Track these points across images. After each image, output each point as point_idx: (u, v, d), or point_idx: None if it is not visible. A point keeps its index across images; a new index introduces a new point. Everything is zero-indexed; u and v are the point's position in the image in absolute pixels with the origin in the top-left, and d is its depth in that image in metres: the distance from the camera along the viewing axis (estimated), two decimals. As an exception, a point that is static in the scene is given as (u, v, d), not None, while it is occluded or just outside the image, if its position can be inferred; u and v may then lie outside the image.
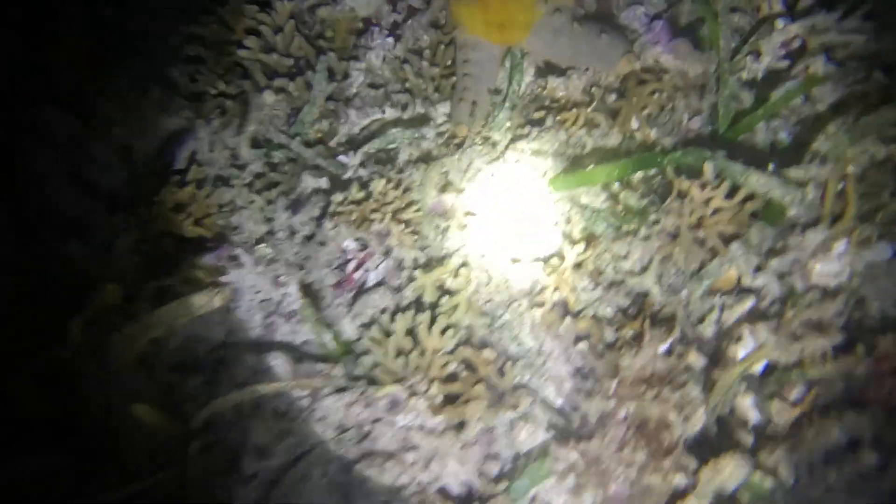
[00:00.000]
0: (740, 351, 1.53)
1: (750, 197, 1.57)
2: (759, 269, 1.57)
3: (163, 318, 1.68)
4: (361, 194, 1.84)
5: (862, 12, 1.60)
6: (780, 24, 1.69)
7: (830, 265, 1.53)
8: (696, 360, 1.55)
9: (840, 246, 1.52)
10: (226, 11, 2.05)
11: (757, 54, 1.73)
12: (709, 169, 1.58)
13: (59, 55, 2.16)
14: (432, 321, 1.72)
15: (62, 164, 2.04)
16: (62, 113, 2.08)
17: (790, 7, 1.73)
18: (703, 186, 1.58)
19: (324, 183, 1.97)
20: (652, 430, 1.48)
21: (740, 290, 1.59)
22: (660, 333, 1.57)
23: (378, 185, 1.85)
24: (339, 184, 1.93)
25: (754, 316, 1.54)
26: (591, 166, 1.71)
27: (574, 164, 1.81)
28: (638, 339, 1.59)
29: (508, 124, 1.92)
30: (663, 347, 1.57)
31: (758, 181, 1.52)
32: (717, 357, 1.56)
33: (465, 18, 1.87)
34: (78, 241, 1.92)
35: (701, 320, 1.59)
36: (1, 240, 1.89)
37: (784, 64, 1.70)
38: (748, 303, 1.54)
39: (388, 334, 1.71)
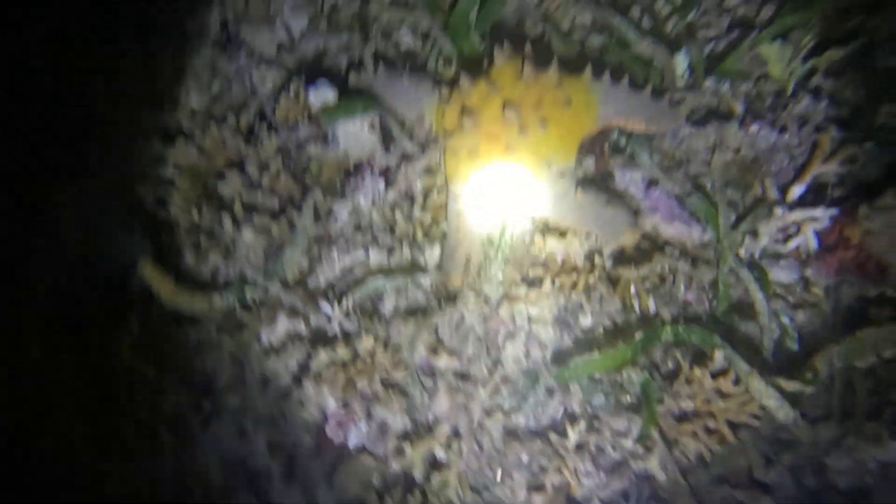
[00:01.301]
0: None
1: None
2: (769, 462, 1.52)
3: None
4: (348, 355, 1.69)
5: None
6: (778, 212, 1.72)
7: (842, 462, 1.50)
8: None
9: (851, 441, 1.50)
10: (206, 139, 1.92)
11: (754, 234, 1.75)
12: (719, 357, 1.55)
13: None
14: (424, 502, 1.56)
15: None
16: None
17: (783, 192, 1.77)
18: (715, 375, 1.54)
19: (301, 327, 1.81)
20: None
21: (751, 482, 1.53)
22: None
23: (366, 344, 1.71)
24: (320, 335, 1.77)
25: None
26: (598, 353, 1.64)
27: (575, 339, 1.75)
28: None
29: (501, 278, 1.85)
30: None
31: (757, 387, 1.50)
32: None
33: (462, 171, 1.82)
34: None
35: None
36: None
37: (782, 248, 1.73)
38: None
39: (373, 519, 1.54)
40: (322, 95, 1.91)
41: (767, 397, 1.49)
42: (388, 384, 1.70)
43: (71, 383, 1.75)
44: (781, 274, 1.76)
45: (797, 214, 1.69)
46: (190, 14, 2.17)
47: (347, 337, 1.75)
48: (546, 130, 1.75)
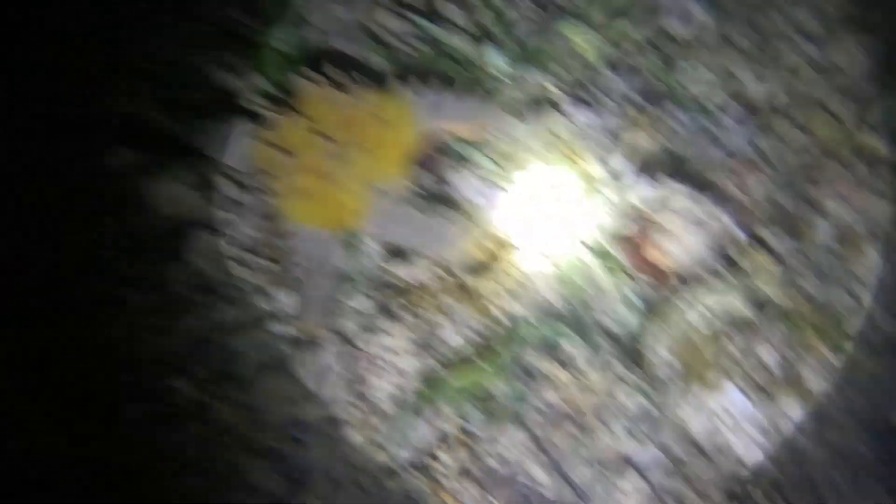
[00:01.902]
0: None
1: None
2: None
3: None
4: (199, 430, 1.58)
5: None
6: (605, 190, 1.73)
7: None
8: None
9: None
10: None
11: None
12: (568, 347, 1.53)
13: None
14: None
15: None
16: None
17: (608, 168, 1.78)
18: (564, 365, 1.53)
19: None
20: None
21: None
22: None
23: (222, 411, 1.61)
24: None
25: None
26: (457, 373, 1.60)
27: (443, 357, 1.70)
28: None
29: (360, 309, 1.79)
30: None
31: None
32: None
33: (295, 211, 1.74)
34: None
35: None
36: None
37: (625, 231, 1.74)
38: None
39: None
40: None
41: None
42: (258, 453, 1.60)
43: None
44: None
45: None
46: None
47: (202, 410, 1.64)
48: (366, 152, 1.69)
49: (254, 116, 1.92)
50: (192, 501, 1.56)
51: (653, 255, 1.61)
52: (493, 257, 1.73)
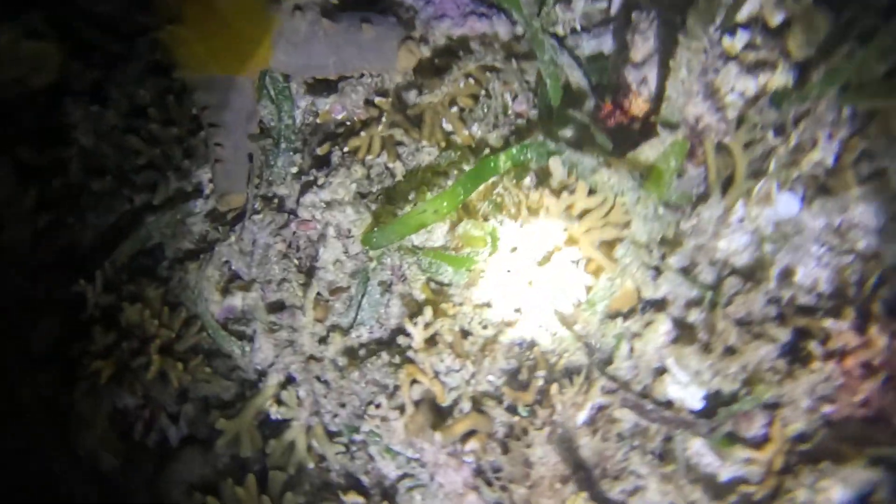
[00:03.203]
0: (671, 389, 1.14)
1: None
2: (658, 271, 1.18)
3: None
4: (109, 338, 1.27)
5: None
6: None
7: (735, 239, 1.16)
8: (624, 418, 1.15)
9: (739, 211, 1.15)
10: None
11: (567, 2, 1.32)
12: (557, 168, 1.17)
13: None
14: (264, 485, 1.21)
15: None
16: None
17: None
18: (558, 192, 1.16)
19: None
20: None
21: (644, 306, 1.19)
22: (570, 396, 1.14)
23: (130, 314, 1.29)
24: (75, 326, 1.34)
25: (672, 337, 1.15)
26: (411, 206, 1.25)
27: (390, 203, 1.34)
28: (545, 412, 1.16)
29: (293, 170, 1.43)
30: (582, 417, 1.15)
31: (609, 179, 1.12)
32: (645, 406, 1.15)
33: (183, 54, 1.34)
34: None
35: (609, 361, 1.18)
36: None
37: (602, 5, 1.31)
38: (660, 325, 1.14)
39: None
40: None
41: (623, 183, 1.12)
42: (177, 358, 1.30)
43: None
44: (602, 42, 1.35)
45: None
46: None
47: (105, 313, 1.32)
48: (253, -45, 1.26)
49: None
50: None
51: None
52: (440, 68, 1.32)
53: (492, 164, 1.22)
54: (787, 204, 1.18)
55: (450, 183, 1.29)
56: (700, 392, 1.14)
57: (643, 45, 1.20)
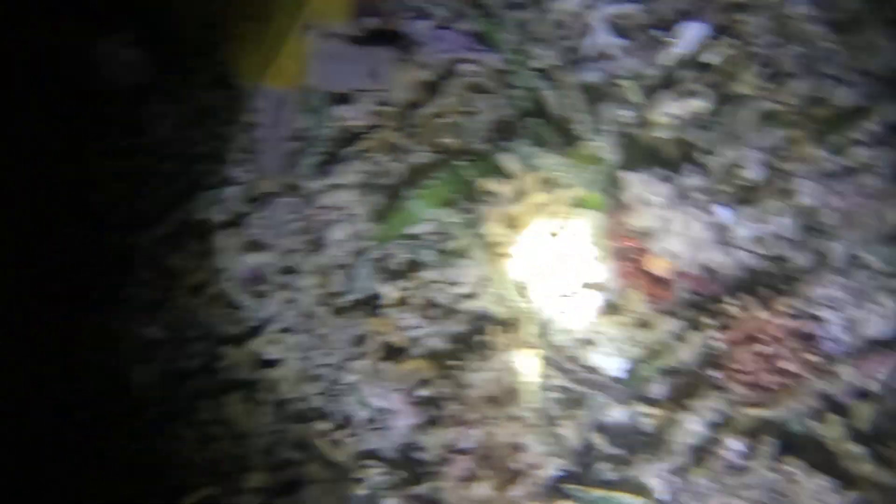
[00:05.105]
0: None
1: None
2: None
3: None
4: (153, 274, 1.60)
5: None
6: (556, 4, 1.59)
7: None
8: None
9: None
10: None
11: (544, 41, 1.62)
12: (510, 162, 1.43)
13: None
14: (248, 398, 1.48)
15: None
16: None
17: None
18: (508, 182, 1.43)
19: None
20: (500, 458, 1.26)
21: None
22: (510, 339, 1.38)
23: (175, 260, 1.62)
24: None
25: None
26: (408, 201, 1.52)
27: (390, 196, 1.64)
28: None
29: (315, 165, 1.75)
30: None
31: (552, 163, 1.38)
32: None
33: (242, 68, 1.72)
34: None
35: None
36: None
37: (569, 43, 1.60)
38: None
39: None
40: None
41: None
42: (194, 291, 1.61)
43: None
44: (592, 76, 1.62)
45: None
46: None
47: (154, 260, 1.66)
48: (304, -3, 1.64)
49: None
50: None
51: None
52: (436, 89, 1.63)
53: (467, 165, 1.51)
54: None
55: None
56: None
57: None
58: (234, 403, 1.47)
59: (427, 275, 1.53)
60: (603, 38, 1.51)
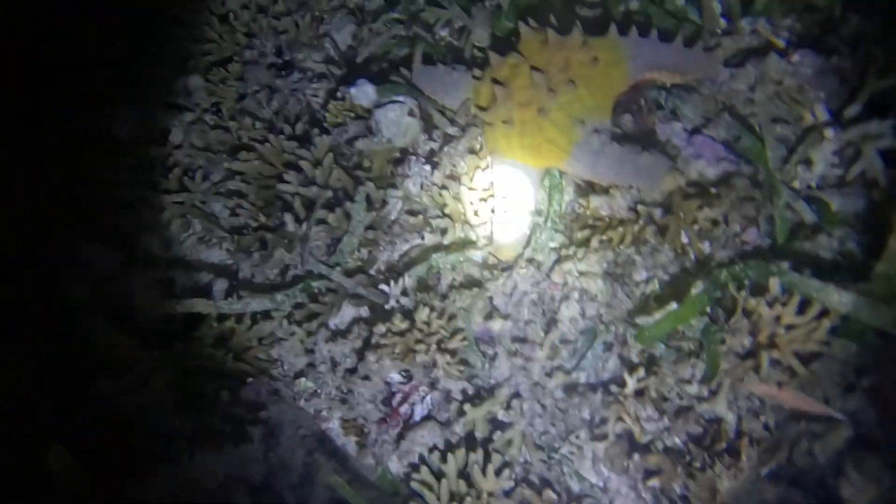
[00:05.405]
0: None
1: (825, 312, 1.45)
2: (847, 389, 1.43)
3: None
4: (405, 325, 1.76)
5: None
6: (829, 133, 1.64)
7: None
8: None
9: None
10: (266, 149, 2.09)
11: (808, 163, 1.67)
12: (775, 285, 1.49)
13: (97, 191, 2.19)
14: (486, 459, 1.59)
15: (100, 299, 2.01)
16: (103, 248, 2.08)
17: (836, 115, 1.69)
18: (772, 304, 1.48)
19: (364, 312, 1.91)
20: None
21: (829, 419, 1.44)
22: (760, 454, 1.42)
23: (421, 315, 1.78)
24: (381, 313, 1.86)
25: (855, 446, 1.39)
26: (668, 308, 1.60)
27: (630, 294, 1.73)
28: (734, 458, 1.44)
29: (552, 244, 1.87)
30: (765, 471, 1.41)
31: (837, 299, 1.41)
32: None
33: (502, 145, 1.88)
34: (109, 379, 1.85)
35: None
36: (32, 377, 1.84)
37: (839, 172, 1.65)
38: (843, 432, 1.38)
39: (439, 476, 1.58)
40: (364, 92, 2.04)
41: (858, 308, 1.40)
42: (446, 351, 1.75)
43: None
44: (846, 203, 1.66)
45: (852, 133, 1.60)
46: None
47: (404, 310, 1.82)
48: (575, 90, 1.78)
49: (476, 61, 2.11)
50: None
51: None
52: (692, 197, 1.72)
53: (722, 277, 1.58)
54: None
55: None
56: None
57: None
58: (471, 463, 1.59)
59: (664, 370, 1.60)
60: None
